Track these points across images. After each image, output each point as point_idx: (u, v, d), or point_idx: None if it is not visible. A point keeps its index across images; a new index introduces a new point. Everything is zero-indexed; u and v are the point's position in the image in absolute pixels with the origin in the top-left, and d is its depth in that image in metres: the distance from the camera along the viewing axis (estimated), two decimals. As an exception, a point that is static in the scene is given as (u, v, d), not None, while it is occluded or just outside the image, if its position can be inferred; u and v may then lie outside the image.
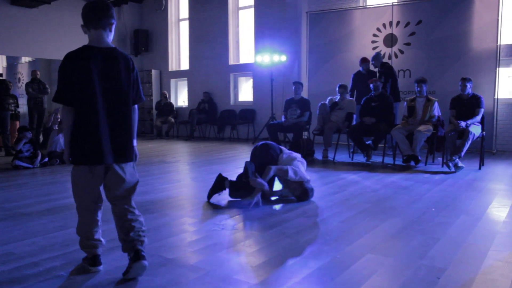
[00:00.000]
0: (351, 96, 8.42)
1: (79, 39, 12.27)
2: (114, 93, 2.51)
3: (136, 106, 2.66)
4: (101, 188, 2.63)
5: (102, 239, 2.70)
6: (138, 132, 14.18)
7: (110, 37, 2.58)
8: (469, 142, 6.29)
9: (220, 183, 4.59)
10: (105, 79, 2.48)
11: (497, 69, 8.29)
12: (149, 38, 14.34)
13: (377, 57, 8.38)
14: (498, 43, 8.30)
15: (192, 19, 13.33)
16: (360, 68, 8.61)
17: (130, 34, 14.12)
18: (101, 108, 2.46)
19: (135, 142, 2.66)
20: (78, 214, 2.65)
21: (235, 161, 7.64)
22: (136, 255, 2.53)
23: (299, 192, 4.49)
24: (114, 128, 2.52)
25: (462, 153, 6.29)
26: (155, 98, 13.99)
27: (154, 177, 6.09)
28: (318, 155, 7.99)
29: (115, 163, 2.55)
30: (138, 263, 2.51)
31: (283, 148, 4.85)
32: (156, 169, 6.84)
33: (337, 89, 8.01)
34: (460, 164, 6.24)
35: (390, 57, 9.36)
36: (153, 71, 14.05)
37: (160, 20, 14.07)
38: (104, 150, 2.47)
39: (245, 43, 12.68)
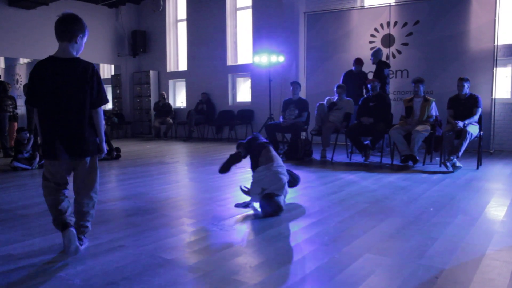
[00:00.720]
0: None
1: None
2: (68, 99, 2.86)
3: (98, 108, 2.97)
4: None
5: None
6: (137, 132, 14.25)
7: (77, 47, 2.94)
8: (467, 142, 6.29)
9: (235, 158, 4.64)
10: (61, 87, 2.84)
11: (495, 69, 8.30)
12: (147, 39, 14.34)
13: (377, 52, 8.37)
14: (495, 43, 8.32)
15: (190, 20, 13.33)
16: (353, 68, 8.62)
17: (128, 35, 14.11)
18: (55, 112, 2.86)
19: (99, 140, 3.02)
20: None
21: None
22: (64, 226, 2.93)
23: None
24: (67, 129, 2.89)
25: (460, 153, 6.30)
26: (153, 99, 13.99)
27: (153, 178, 6.09)
28: (316, 155, 7.99)
29: (71, 159, 2.96)
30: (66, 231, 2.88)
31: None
32: (155, 170, 6.83)
33: (335, 89, 8.02)
34: (458, 164, 6.25)
35: (388, 58, 9.37)
36: (151, 72, 14.05)
37: (158, 21, 14.06)
38: (56, 149, 2.88)
39: (243, 44, 12.69)
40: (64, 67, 2.87)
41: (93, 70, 2.94)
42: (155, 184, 5.61)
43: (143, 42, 14.22)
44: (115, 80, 14.90)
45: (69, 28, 2.87)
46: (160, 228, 3.63)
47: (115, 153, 8.21)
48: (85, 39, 2.98)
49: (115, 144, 8.90)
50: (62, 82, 2.85)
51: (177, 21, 14.09)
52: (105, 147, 3.08)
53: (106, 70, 15.89)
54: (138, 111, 14.46)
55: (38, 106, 2.91)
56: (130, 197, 4.84)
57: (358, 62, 8.57)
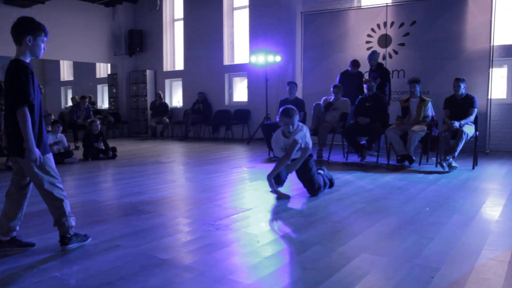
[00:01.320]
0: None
1: (73, 40, 12.17)
2: (6, 100, 2.96)
3: (20, 109, 2.85)
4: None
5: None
6: (133, 132, 14.23)
7: (23, 50, 2.97)
8: (463, 142, 6.32)
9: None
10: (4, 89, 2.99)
11: (490, 69, 8.33)
12: (144, 38, 14.32)
13: (374, 55, 8.37)
14: (491, 44, 8.35)
15: (186, 19, 13.32)
16: (349, 68, 8.62)
17: (124, 34, 14.09)
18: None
19: (25, 143, 2.89)
20: None
21: (230, 161, 7.64)
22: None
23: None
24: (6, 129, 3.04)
25: (456, 153, 6.32)
26: (149, 98, 13.97)
27: (149, 177, 6.08)
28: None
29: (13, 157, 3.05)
30: None
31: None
32: (151, 169, 6.82)
33: (331, 89, 8.02)
34: (453, 164, 6.27)
35: (384, 58, 9.39)
36: (148, 72, 14.03)
37: (155, 20, 14.05)
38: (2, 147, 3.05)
39: (239, 44, 12.69)
40: (7, 68, 3.02)
41: (11, 66, 2.96)
42: (151, 184, 5.60)
43: (140, 41, 14.20)
44: (111, 80, 14.87)
45: (13, 31, 2.96)
46: (156, 228, 3.62)
47: (111, 152, 8.20)
48: (38, 40, 2.98)
49: (111, 144, 8.89)
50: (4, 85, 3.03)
51: (173, 20, 14.08)
52: (32, 150, 2.91)
53: (103, 70, 15.87)
54: (134, 111, 14.44)
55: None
56: (126, 197, 4.83)
57: (355, 64, 8.56)
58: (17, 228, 3.10)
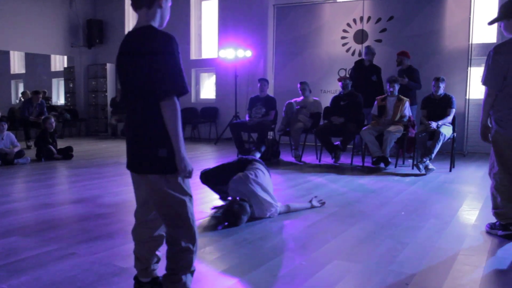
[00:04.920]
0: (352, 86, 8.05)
1: (25, 29, 11.83)
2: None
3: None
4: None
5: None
6: (92, 130, 14.01)
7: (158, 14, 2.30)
8: (440, 143, 6.46)
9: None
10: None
11: (469, 68, 8.56)
12: (104, 29, 14.10)
13: (370, 51, 8.39)
14: (470, 42, 8.58)
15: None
16: (364, 57, 8.51)
17: (82, 24, 13.84)
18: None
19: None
20: None
21: (196, 162, 7.60)
22: None
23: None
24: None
25: (433, 155, 6.46)
26: (110, 94, 13.77)
27: (108, 179, 6.00)
28: (284, 156, 8.05)
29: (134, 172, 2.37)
30: None
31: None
32: (111, 171, 6.73)
33: (298, 85, 8.07)
34: (430, 166, 6.41)
35: (360, 54, 9.52)
36: (108, 65, 13.83)
37: (116, 9, 13.85)
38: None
39: (207, 37, 12.65)
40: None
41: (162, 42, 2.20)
42: (111, 186, 5.53)
43: (100, 32, 13.97)
44: (68, 73, 14.58)
45: None
46: (115, 234, 3.58)
47: (56, 152, 8.03)
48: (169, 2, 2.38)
49: (67, 143, 8.72)
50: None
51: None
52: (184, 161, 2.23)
53: (58, 62, 15.54)
54: (93, 107, 14.21)
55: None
56: (83, 201, 4.76)
57: (369, 52, 8.42)
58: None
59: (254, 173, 4.15)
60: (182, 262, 2.27)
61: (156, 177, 2.22)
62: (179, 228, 2.27)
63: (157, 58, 2.15)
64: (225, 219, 3.81)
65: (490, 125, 3.57)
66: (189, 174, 2.23)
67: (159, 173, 2.21)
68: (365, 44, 9.51)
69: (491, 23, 3.61)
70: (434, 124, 6.56)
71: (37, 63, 15.40)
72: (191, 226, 2.28)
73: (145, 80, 2.17)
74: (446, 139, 6.56)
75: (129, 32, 2.30)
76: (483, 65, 3.56)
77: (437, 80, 6.88)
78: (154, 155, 2.20)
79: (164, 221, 2.32)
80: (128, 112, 2.31)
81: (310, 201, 4.44)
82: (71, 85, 14.54)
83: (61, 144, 8.59)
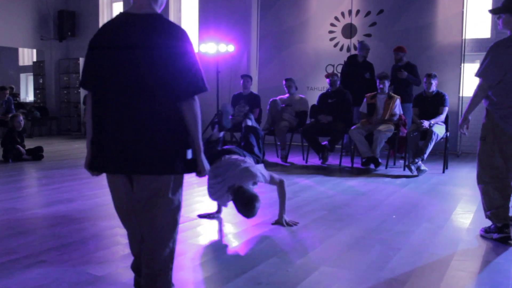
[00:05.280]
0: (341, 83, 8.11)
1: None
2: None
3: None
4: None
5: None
6: (63, 129, 13.87)
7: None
8: (433, 143, 6.51)
9: None
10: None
11: (462, 64, 8.65)
12: (76, 21, 13.96)
13: (363, 46, 8.40)
14: (463, 37, 8.66)
15: (127, 0, 13.11)
16: (358, 52, 8.49)
17: (53, 15, 13.70)
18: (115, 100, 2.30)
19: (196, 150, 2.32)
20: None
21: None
22: None
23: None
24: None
25: (425, 155, 6.50)
26: (83, 91, 13.65)
27: (81, 182, 5.94)
28: (268, 157, 8.04)
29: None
30: None
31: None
32: (84, 173, 6.62)
33: (283, 82, 8.10)
34: (422, 167, 6.45)
35: (349, 49, 9.57)
36: (81, 60, 13.69)
37: (90, 0, 13.74)
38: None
39: (187, 30, 12.58)
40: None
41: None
42: (84, 189, 5.48)
43: (72, 25, 13.83)
44: (37, 68, 14.43)
45: None
46: (89, 240, 3.54)
47: (24, 155, 7.95)
48: None
49: (37, 143, 8.62)
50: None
51: (112, 1, 13.82)
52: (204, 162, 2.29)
53: (27, 56, 15.38)
54: (65, 105, 14.07)
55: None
56: (54, 204, 4.70)
57: (363, 47, 8.41)
58: None
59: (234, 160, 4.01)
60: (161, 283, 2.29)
61: (167, 178, 2.21)
62: (167, 243, 2.27)
63: (177, 54, 2.13)
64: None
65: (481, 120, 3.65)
66: (206, 173, 2.28)
67: (181, 173, 2.23)
68: (354, 38, 9.56)
69: (492, 11, 3.67)
70: (426, 123, 6.60)
71: (3, 57, 15.22)
72: (176, 237, 2.31)
73: (160, 76, 2.12)
74: (439, 138, 6.61)
75: (127, 18, 2.19)
76: (477, 61, 3.62)
77: (429, 76, 6.93)
78: (181, 156, 2.19)
79: (157, 236, 2.28)
80: (123, 109, 2.16)
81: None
82: (40, 81, 14.38)
83: (30, 144, 8.49)
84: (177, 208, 2.29)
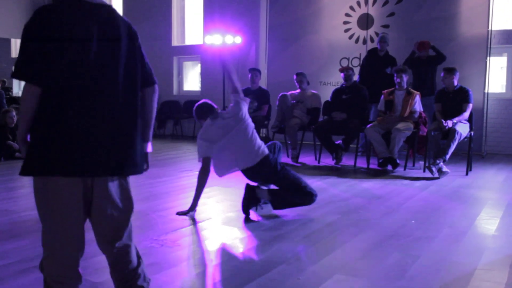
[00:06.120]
0: (360, 79, 8.23)
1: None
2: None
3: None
4: None
5: None
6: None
7: None
8: (455, 143, 6.46)
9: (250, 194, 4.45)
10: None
11: (488, 58, 8.56)
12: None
13: (383, 39, 8.38)
14: (490, 29, 8.57)
15: (126, -12, 13.15)
16: (377, 46, 8.50)
17: (48, 4, 13.75)
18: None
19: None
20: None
21: (178, 163, 7.59)
22: None
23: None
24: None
25: (447, 156, 6.46)
26: (17, 83, 13.67)
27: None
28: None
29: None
30: None
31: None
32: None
33: (294, 77, 8.08)
34: (444, 168, 6.41)
35: (365, 41, 9.53)
36: (77, 52, 13.75)
37: (87, -12, 13.78)
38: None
39: (192, 21, 12.61)
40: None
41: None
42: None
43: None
44: (31, 61, 14.49)
45: None
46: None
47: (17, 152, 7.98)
48: None
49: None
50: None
51: (110, -11, 13.86)
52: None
53: (20, 48, 15.47)
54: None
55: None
56: (48, 206, 4.72)
57: (383, 40, 8.39)
58: None
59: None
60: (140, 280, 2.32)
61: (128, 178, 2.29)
62: (131, 239, 2.35)
63: (138, 45, 2.24)
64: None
65: None
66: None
67: (146, 169, 2.33)
68: (371, 30, 9.52)
69: None
70: (450, 123, 6.50)
71: (-5, 48, 15.28)
72: None
73: (135, 68, 2.21)
74: (462, 138, 6.56)
75: (83, 7, 2.18)
76: (505, 54, 3.58)
77: (447, 71, 6.82)
78: (144, 151, 2.26)
79: (123, 236, 2.38)
80: (97, 106, 2.08)
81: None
82: (34, 74, 14.43)
83: (23, 141, 8.52)
84: (132, 203, 2.36)
